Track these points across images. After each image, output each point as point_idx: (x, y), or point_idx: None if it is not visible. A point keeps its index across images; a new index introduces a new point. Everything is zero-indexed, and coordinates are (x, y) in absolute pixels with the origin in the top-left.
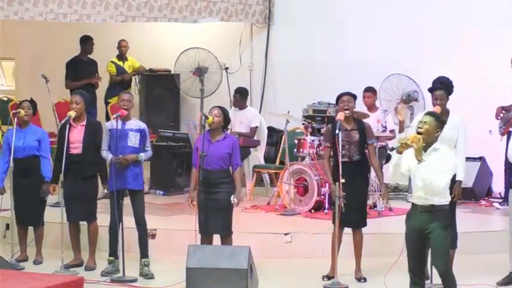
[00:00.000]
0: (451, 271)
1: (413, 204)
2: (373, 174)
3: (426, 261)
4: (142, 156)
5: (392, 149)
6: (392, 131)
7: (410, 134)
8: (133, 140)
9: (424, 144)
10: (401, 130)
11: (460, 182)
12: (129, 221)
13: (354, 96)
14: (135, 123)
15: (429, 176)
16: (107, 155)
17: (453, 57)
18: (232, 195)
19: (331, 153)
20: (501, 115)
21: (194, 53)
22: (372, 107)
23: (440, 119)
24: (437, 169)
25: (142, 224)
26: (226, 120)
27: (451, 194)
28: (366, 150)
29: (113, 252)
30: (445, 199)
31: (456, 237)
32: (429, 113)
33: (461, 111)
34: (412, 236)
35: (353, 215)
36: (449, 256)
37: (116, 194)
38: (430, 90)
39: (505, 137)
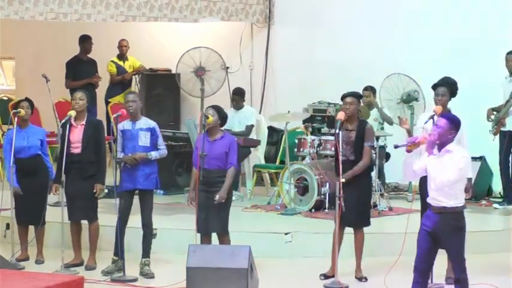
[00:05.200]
0: (465, 273)
1: (429, 204)
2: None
3: (433, 262)
4: (153, 154)
5: (396, 146)
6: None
7: (420, 135)
8: (143, 139)
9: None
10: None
11: (470, 178)
12: (130, 220)
13: (358, 97)
14: (145, 122)
15: (437, 173)
16: (120, 156)
17: (453, 57)
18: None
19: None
20: (492, 116)
21: (196, 53)
22: (369, 106)
23: (456, 122)
24: (446, 168)
25: (149, 226)
26: (222, 117)
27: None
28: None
29: (118, 251)
30: (456, 201)
31: None
32: (443, 116)
33: (461, 111)
34: (423, 235)
35: (351, 214)
36: (464, 258)
37: (125, 195)
38: (433, 87)
39: (498, 137)
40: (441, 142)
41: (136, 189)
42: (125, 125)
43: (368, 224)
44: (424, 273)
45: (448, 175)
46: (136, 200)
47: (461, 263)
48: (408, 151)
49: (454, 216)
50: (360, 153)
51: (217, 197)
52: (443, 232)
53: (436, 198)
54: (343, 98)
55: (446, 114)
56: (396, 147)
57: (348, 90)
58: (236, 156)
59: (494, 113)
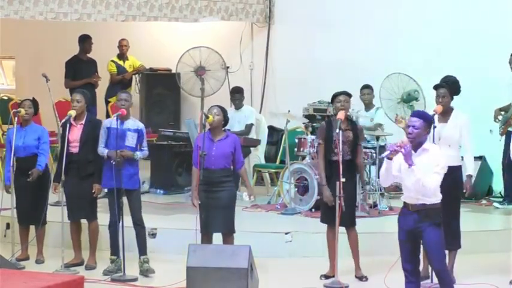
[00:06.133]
0: (447, 269)
1: (404, 203)
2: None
3: (419, 260)
4: (139, 154)
5: (382, 157)
6: (379, 125)
7: (402, 139)
8: (130, 139)
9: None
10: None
11: (471, 176)
12: (129, 220)
13: (350, 96)
14: (133, 123)
15: (421, 178)
16: (103, 150)
17: (453, 56)
18: (245, 193)
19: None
20: (499, 117)
21: (197, 53)
22: (369, 105)
23: (428, 118)
24: (428, 171)
25: (139, 224)
26: (226, 118)
27: (462, 190)
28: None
29: (115, 251)
30: (436, 198)
31: (459, 237)
32: (416, 114)
33: (461, 111)
34: (404, 235)
35: (343, 214)
36: (444, 254)
37: (111, 193)
38: (435, 87)
39: (504, 137)
40: (418, 142)
41: (121, 188)
42: (113, 122)
43: (355, 223)
44: (413, 272)
45: (433, 183)
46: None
47: (442, 258)
48: (390, 159)
49: (434, 212)
50: (355, 152)
51: (252, 197)
52: (423, 228)
53: (415, 197)
54: (335, 96)
55: (418, 112)
56: (382, 157)
57: (347, 90)
58: (242, 154)
59: (502, 113)
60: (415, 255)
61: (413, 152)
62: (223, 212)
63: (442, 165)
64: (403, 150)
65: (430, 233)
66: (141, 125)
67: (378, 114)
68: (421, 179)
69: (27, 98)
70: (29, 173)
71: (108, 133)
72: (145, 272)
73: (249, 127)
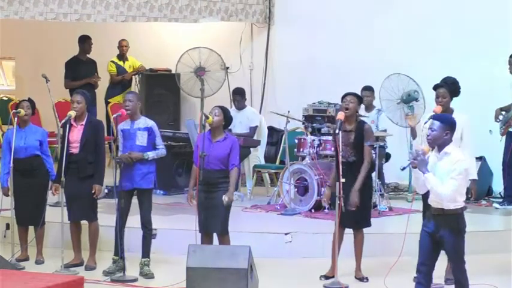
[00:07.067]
0: (466, 280)
1: (429, 205)
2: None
3: (435, 263)
4: (150, 154)
5: (403, 168)
6: (384, 131)
7: (422, 147)
8: (140, 138)
9: (431, 151)
10: (414, 136)
11: (475, 180)
12: (130, 220)
13: (359, 97)
14: (143, 121)
15: (433, 187)
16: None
17: (453, 56)
18: (224, 195)
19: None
20: (500, 117)
21: (196, 53)
22: (369, 106)
23: (448, 121)
24: (445, 177)
25: (148, 227)
26: (227, 119)
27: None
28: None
29: (118, 251)
30: (455, 203)
31: None
32: (435, 117)
33: (461, 111)
34: (424, 236)
35: (351, 215)
36: (463, 259)
37: (124, 194)
38: (434, 88)
39: (504, 137)
40: (439, 144)
41: (134, 188)
42: (124, 124)
43: (369, 224)
44: (426, 274)
45: (447, 189)
46: (135, 199)
47: (460, 265)
48: (414, 167)
49: (453, 218)
50: (360, 154)
51: (226, 199)
52: (442, 233)
53: (435, 200)
54: (343, 96)
55: (438, 115)
56: (403, 168)
57: (348, 91)
58: (238, 156)
59: (503, 113)
60: (432, 258)
61: (437, 155)
62: (217, 213)
63: (458, 171)
64: (415, 161)
65: (449, 240)
66: (150, 123)
67: (381, 119)
68: (433, 187)
69: (24, 99)
70: (52, 192)
71: (123, 135)
72: (145, 275)
73: (253, 129)
